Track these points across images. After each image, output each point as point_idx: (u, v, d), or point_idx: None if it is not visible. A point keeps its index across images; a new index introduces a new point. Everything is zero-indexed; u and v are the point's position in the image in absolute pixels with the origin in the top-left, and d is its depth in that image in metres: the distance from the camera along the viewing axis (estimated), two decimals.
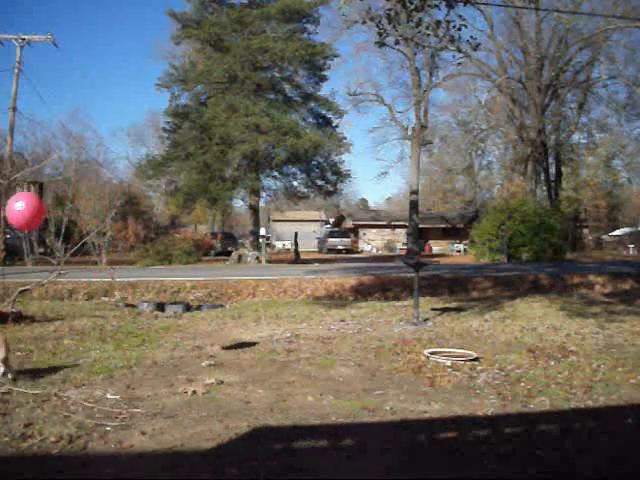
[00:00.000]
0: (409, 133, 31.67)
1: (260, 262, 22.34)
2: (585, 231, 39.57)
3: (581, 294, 11.52)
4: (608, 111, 33.37)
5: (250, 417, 3.73)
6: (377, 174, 72.02)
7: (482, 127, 39.46)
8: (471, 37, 7.34)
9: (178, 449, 3.20)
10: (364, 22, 7.78)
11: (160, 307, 9.62)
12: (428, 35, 7.03)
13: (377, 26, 7.05)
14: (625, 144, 38.97)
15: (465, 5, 7.10)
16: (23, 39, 21.89)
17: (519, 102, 31.81)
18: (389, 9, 6.79)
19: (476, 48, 7.55)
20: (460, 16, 6.97)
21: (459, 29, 6.89)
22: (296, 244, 27.16)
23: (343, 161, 23.48)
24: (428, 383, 4.59)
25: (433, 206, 52.17)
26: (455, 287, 12.46)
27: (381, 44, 7.56)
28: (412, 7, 6.56)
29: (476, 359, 5.33)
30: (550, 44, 29.86)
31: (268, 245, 29.51)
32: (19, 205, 4.25)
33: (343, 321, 8.08)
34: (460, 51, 7.69)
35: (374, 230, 43.31)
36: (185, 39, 22.58)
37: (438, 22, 6.80)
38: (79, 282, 11.75)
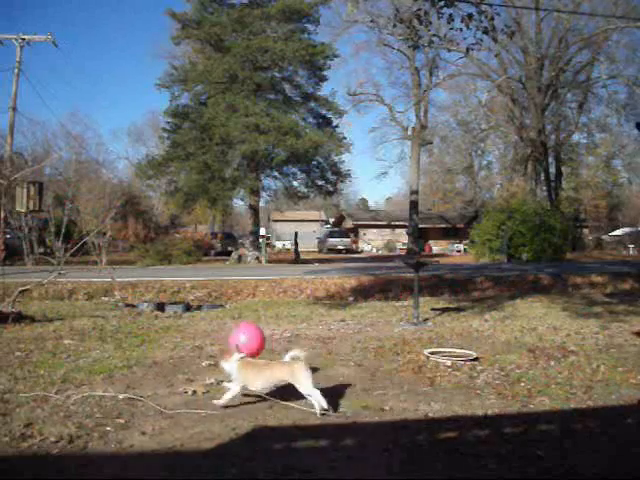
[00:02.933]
0: (409, 133, 31.69)
1: (260, 262, 22.34)
2: (585, 231, 39.60)
3: (581, 294, 11.52)
4: (608, 111, 33.45)
5: (250, 417, 3.73)
6: (377, 174, 72.16)
7: (482, 127, 39.50)
8: (505, 26, 7.39)
9: (178, 449, 3.20)
10: (394, 25, 7.85)
11: (160, 307, 9.62)
12: (461, 30, 7.02)
13: (408, 27, 7.08)
14: (625, 144, 39.02)
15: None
16: (23, 39, 21.90)
17: (519, 102, 31.84)
18: (418, 9, 6.82)
19: (512, 35, 7.60)
20: (491, 5, 7.02)
21: (492, 19, 6.92)
22: (296, 244, 27.18)
23: (343, 161, 23.51)
24: (428, 383, 4.59)
25: (433, 206, 52.16)
26: (455, 287, 12.46)
27: (415, 46, 7.64)
28: (441, 4, 6.58)
29: (476, 359, 5.33)
30: (550, 44, 29.88)
31: (268, 245, 29.53)
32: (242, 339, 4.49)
33: (343, 321, 8.08)
34: (496, 41, 7.72)
35: (374, 230, 43.33)
36: (185, 39, 22.58)
37: (470, 15, 6.81)
38: (79, 282, 11.75)
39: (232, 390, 3.92)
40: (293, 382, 3.85)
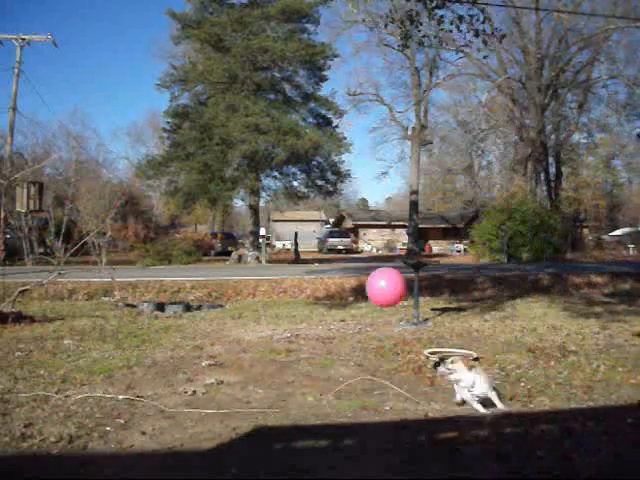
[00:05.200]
0: (409, 133, 31.68)
1: (260, 262, 22.35)
2: (585, 231, 39.55)
3: (581, 294, 11.52)
4: (608, 111, 33.37)
5: (250, 417, 3.73)
6: (377, 174, 72.02)
7: (482, 127, 39.45)
8: (495, 29, 7.40)
9: (178, 449, 3.20)
10: (386, 25, 7.84)
11: (160, 307, 9.62)
12: (451, 31, 7.04)
13: (399, 28, 7.11)
14: (625, 144, 39.01)
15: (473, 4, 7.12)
16: (23, 39, 21.91)
17: (519, 102, 31.79)
18: (410, 10, 6.85)
19: (502, 39, 7.61)
20: (482, 10, 7.03)
21: (483, 22, 6.94)
22: (296, 244, 27.19)
23: (343, 161, 23.49)
24: (428, 383, 4.59)
25: (433, 206, 52.17)
26: (455, 287, 12.45)
27: (405, 46, 7.62)
28: (433, 5, 6.60)
29: (476, 359, 5.33)
30: (550, 44, 29.85)
31: (268, 245, 29.54)
32: (382, 283, 4.11)
33: (343, 321, 8.08)
34: (486, 43, 7.72)
35: (374, 230, 43.32)
36: (185, 39, 22.58)
37: (460, 17, 6.82)
38: (79, 282, 11.75)
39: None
40: None
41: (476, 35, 6.99)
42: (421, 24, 7.12)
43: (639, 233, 37.85)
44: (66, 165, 37.60)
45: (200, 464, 3.03)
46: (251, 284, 12.39)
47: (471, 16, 6.82)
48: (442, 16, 6.87)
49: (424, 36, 7.97)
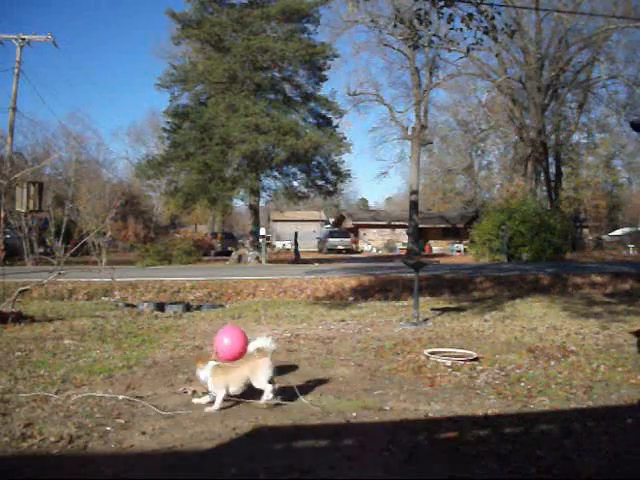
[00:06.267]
0: (409, 133, 31.67)
1: (260, 262, 22.35)
2: (585, 231, 39.58)
3: (581, 294, 11.52)
4: (608, 111, 33.40)
5: (250, 417, 3.73)
6: (377, 174, 71.99)
7: (482, 127, 39.50)
8: (505, 25, 7.39)
9: (178, 449, 3.20)
10: (395, 26, 7.83)
11: (160, 307, 9.62)
12: (461, 30, 7.00)
13: (408, 28, 7.10)
14: (625, 144, 39.07)
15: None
16: (23, 39, 21.92)
17: (519, 102, 31.79)
18: (418, 9, 6.84)
19: (512, 35, 7.62)
20: (491, 5, 7.01)
21: (492, 18, 6.92)
22: (296, 244, 27.20)
23: (343, 161, 23.49)
24: (428, 383, 4.59)
25: (433, 206, 52.19)
26: (455, 287, 12.46)
27: (415, 47, 7.64)
28: (441, 3, 6.58)
29: (476, 359, 5.33)
30: (550, 44, 29.85)
31: (268, 245, 29.53)
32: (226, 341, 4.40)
33: (343, 321, 8.08)
34: (496, 41, 7.71)
35: (374, 230, 43.34)
36: (185, 39, 22.57)
37: (470, 15, 6.79)
38: (79, 282, 11.75)
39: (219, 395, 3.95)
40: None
41: (486, 32, 6.96)
42: (431, 23, 7.11)
43: (639, 233, 37.86)
44: (66, 165, 37.60)
45: (200, 464, 3.03)
46: (251, 284, 12.39)
47: (480, 13, 6.80)
48: (451, 14, 6.84)
49: (434, 35, 7.96)
